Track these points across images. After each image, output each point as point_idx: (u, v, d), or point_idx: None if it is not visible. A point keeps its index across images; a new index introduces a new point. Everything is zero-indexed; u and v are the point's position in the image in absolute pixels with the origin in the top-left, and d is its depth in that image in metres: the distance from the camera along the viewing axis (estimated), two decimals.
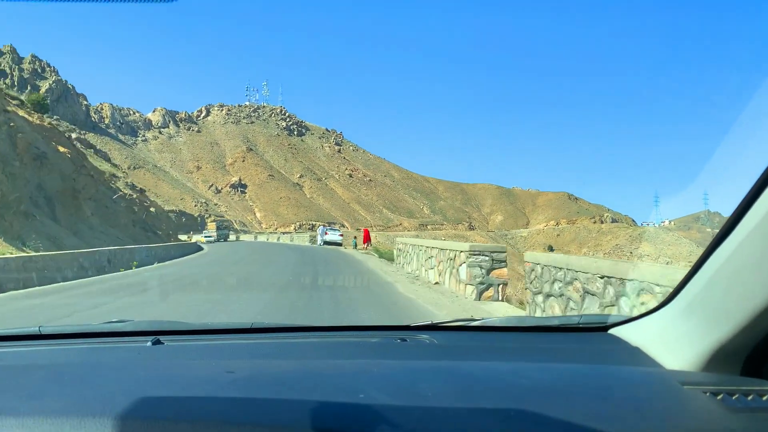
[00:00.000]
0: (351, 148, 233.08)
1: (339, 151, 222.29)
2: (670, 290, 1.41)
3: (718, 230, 1.15)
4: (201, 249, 35.20)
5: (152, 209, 34.54)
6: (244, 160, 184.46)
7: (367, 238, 37.17)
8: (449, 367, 1.34)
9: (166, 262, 20.76)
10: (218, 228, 68.15)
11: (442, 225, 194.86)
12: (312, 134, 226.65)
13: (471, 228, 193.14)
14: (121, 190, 30.51)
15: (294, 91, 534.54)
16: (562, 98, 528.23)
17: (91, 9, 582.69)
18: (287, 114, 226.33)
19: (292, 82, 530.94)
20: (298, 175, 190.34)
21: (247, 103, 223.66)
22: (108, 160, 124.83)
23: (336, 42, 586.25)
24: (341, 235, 43.44)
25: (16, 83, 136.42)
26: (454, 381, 1.18)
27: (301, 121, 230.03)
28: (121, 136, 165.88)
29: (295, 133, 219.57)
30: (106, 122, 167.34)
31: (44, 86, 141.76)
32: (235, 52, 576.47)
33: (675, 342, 1.34)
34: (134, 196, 32.35)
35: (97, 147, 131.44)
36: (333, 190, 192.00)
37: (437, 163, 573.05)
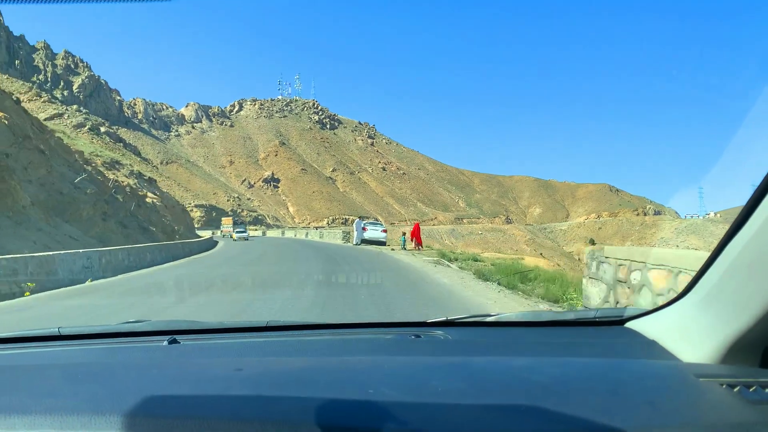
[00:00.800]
0: (384, 141, 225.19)
1: (372, 144, 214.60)
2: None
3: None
4: (209, 249, 27.43)
5: (151, 200, 26.94)
6: (276, 155, 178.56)
7: (416, 235, 27.98)
8: (463, 362, 1.32)
9: (111, 279, 12.72)
10: (234, 224, 64.38)
11: (478, 219, 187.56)
12: (344, 127, 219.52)
13: (508, 221, 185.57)
14: (104, 175, 22.99)
15: (326, 84, 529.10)
16: (600, 90, 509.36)
17: (123, 6, 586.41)
18: (319, 107, 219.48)
19: (324, 75, 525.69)
20: (330, 169, 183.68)
21: (280, 97, 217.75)
22: (138, 154, 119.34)
23: (367, 35, 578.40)
24: (385, 231, 33.51)
25: (49, 79, 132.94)
26: (467, 377, 1.16)
27: (334, 115, 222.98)
28: (154, 132, 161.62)
29: (328, 126, 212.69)
30: (139, 117, 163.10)
31: (77, 81, 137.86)
32: (268, 46, 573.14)
33: (692, 334, 1.31)
34: (125, 182, 24.92)
35: (128, 142, 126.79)
36: (366, 184, 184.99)
37: (472, 156, 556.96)
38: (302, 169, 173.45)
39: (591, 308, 1.44)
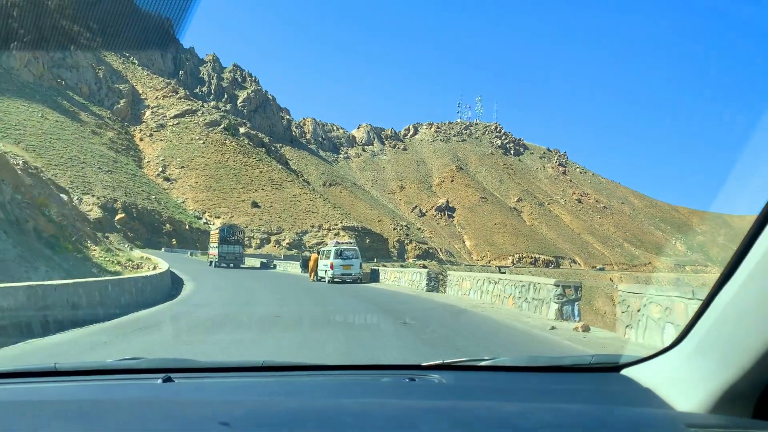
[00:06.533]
0: (578, 169, 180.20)
1: (564, 173, 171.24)
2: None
3: None
4: None
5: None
6: (452, 180, 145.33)
7: None
8: (454, 407, 1.24)
9: None
10: (223, 241, 32.70)
11: (705, 267, 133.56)
12: (531, 154, 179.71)
13: None
14: None
15: (510, 107, 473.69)
16: None
17: (298, 28, 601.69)
18: (502, 131, 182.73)
19: (508, 98, 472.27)
20: (515, 199, 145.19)
21: (458, 120, 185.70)
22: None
23: (556, 56, 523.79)
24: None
25: (213, 91, 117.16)
26: (458, 422, 1.10)
27: (519, 140, 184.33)
28: (322, 152, 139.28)
29: (512, 152, 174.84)
30: (308, 137, 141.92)
31: (242, 95, 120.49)
32: (447, 66, 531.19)
33: (686, 383, 1.23)
34: None
35: (293, 160, 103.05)
36: (558, 218, 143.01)
37: (685, 190, 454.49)
38: (482, 198, 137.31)
39: (587, 354, 2.07)
